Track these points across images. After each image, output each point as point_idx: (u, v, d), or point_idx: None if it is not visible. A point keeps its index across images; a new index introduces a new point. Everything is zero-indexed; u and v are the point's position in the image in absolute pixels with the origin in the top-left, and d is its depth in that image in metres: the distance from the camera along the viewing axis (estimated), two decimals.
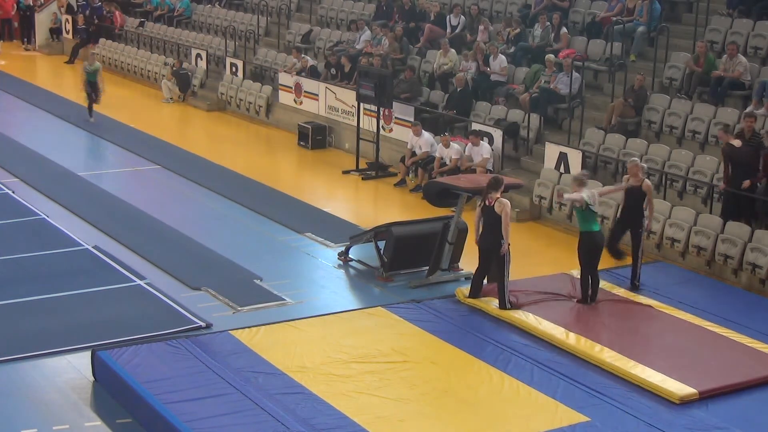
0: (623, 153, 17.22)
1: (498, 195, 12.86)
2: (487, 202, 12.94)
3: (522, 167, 18.83)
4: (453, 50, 21.64)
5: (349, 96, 22.08)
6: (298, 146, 22.83)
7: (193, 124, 25.71)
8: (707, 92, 17.62)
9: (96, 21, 32.77)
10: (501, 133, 18.81)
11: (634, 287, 13.83)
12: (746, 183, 14.77)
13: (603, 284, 13.87)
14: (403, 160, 19.74)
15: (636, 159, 14.54)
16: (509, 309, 12.84)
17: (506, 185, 15.42)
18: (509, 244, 12.86)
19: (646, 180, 13.87)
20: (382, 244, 14.63)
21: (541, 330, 12.34)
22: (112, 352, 11.40)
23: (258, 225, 17.09)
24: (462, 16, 22.88)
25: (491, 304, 13.03)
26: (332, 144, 22.78)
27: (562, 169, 17.44)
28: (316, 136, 22.62)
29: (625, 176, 14.18)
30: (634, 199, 13.80)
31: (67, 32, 34.43)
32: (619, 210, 14.39)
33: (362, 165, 20.72)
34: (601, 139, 17.79)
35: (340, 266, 15.19)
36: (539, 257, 15.82)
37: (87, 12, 33.27)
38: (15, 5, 35.38)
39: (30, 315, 13.02)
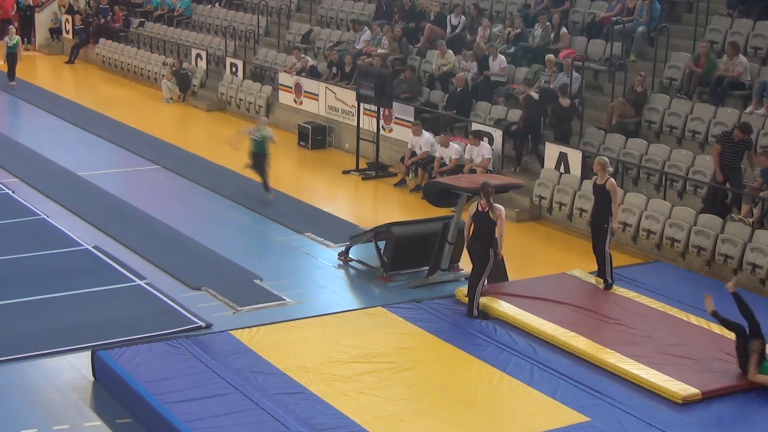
0: (623, 153, 17.23)
1: (491, 201, 12.85)
2: (479, 208, 12.94)
3: (522, 167, 18.82)
4: (450, 51, 21.65)
5: (349, 96, 22.09)
6: (298, 146, 22.84)
7: (193, 124, 25.71)
8: (707, 92, 17.62)
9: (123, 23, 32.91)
10: (501, 133, 18.82)
11: (608, 285, 13.80)
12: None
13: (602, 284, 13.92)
14: (403, 160, 19.74)
15: (603, 156, 14.54)
16: (475, 317, 12.79)
17: (506, 185, 15.50)
18: (501, 251, 12.88)
19: (611, 179, 13.82)
20: (382, 244, 14.64)
21: (542, 330, 12.35)
22: (112, 352, 11.40)
23: (258, 225, 17.09)
24: (462, 16, 22.89)
25: (492, 303, 13.04)
26: (332, 144, 22.79)
27: (562, 169, 17.44)
28: (316, 136, 22.63)
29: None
30: (600, 198, 13.82)
31: (67, 32, 34.43)
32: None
33: (362, 165, 20.73)
34: (601, 139, 17.79)
35: (340, 266, 15.19)
36: (539, 257, 15.82)
37: (108, 17, 33.14)
38: (15, 5, 35.36)
39: (30, 315, 13.02)
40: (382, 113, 20.69)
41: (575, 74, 19.07)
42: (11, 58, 28.93)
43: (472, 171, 18.01)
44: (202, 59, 28.03)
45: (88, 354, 11.55)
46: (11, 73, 28.98)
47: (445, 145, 18.91)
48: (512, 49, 21.17)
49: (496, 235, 12.82)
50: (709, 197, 15.57)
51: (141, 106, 26.98)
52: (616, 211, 13.85)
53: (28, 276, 14.36)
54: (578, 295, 13.63)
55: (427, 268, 14.53)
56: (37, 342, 12.10)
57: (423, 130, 19.57)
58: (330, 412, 10.27)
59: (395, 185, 19.69)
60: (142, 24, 32.49)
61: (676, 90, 18.26)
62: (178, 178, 19.94)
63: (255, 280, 14.37)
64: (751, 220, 14.73)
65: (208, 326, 12.65)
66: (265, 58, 26.61)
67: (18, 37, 29.87)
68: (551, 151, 17.87)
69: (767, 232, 14.37)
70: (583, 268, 14.40)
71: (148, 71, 29.62)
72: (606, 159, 14.10)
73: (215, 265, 14.99)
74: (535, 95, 18.76)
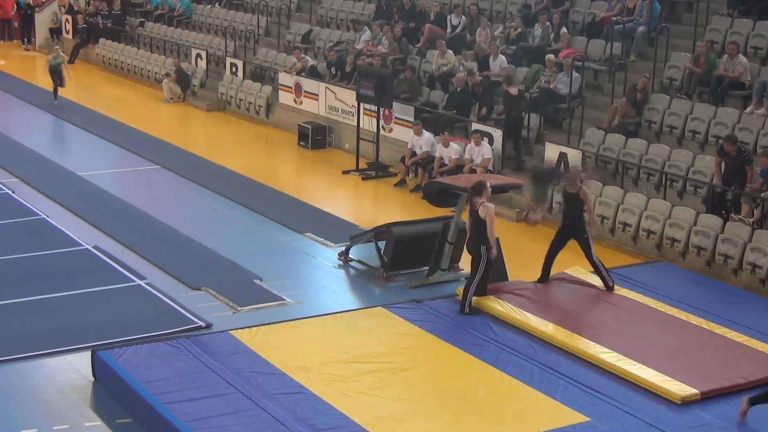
0: (623, 153, 17.23)
1: (483, 200, 12.82)
2: (472, 207, 12.94)
3: (522, 167, 18.81)
4: (450, 51, 21.65)
5: (349, 96, 22.09)
6: (298, 146, 22.84)
7: (193, 124, 25.71)
8: (707, 92, 17.63)
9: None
10: (501, 133, 18.82)
11: (610, 288, 13.69)
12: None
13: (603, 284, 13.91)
14: (403, 160, 19.75)
15: (577, 166, 14.31)
16: (466, 314, 12.78)
17: (506, 185, 15.48)
18: (494, 250, 12.84)
19: (584, 188, 13.57)
20: (382, 244, 14.64)
21: (542, 330, 12.34)
22: (112, 352, 11.40)
23: (258, 225, 17.09)
24: (462, 16, 22.89)
25: (492, 303, 13.04)
26: (332, 144, 22.79)
27: (562, 169, 17.42)
28: (316, 136, 22.63)
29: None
30: (573, 206, 13.60)
31: (67, 32, 34.43)
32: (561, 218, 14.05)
33: (362, 165, 20.73)
34: (601, 139, 17.79)
35: (340, 266, 15.19)
36: (539, 257, 15.76)
37: (109, 22, 33.02)
38: (15, 5, 35.36)
39: (30, 315, 13.01)
40: (382, 113, 20.69)
41: (575, 74, 19.07)
42: (55, 75, 26.18)
43: (472, 171, 18.02)
44: (202, 59, 28.04)
45: (88, 354, 11.54)
46: (55, 92, 26.45)
47: (446, 144, 18.92)
48: (512, 49, 21.17)
49: (487, 233, 12.81)
50: (709, 198, 15.53)
51: (141, 106, 26.98)
52: (592, 213, 13.66)
53: (28, 276, 14.35)
54: (578, 294, 13.63)
55: (427, 268, 14.53)
56: (37, 342, 12.10)
57: (424, 130, 19.59)
58: (330, 412, 10.27)
59: (395, 185, 19.69)
60: (142, 24, 32.49)
61: (676, 90, 18.26)
62: (178, 178, 19.94)
63: (255, 280, 14.36)
64: (751, 220, 14.73)
65: (208, 326, 12.65)
66: (265, 58, 26.62)
67: (64, 55, 27.12)
68: (551, 151, 17.88)
69: (767, 232, 14.37)
70: (582, 267, 14.39)
71: (148, 71, 29.62)
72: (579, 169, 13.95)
73: (215, 265, 14.99)
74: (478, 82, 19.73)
